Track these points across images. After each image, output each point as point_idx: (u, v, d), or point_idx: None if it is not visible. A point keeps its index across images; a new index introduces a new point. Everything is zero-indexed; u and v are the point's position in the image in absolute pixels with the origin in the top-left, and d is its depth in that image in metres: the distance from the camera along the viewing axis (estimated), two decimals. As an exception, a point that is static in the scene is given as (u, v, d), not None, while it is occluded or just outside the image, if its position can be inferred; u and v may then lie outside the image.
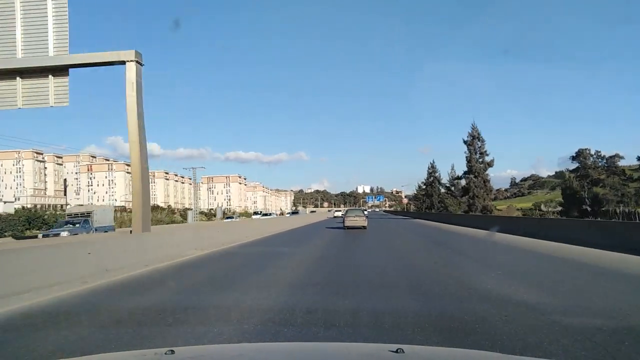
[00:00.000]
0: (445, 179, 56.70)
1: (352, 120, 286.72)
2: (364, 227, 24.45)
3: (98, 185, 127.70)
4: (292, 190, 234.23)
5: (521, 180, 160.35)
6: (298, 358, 1.73)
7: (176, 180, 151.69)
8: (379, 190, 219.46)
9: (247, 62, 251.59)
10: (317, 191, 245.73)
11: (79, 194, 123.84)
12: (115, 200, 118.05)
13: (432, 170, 63.40)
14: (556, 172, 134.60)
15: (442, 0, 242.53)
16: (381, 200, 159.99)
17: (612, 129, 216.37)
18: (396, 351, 1.52)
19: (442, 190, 58.44)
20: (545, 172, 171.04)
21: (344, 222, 25.89)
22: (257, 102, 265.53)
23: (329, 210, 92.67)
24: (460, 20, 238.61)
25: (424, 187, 65.57)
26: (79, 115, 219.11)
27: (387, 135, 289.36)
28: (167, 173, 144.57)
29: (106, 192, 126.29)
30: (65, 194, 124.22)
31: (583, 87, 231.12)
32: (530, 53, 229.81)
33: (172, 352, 1.56)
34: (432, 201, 60.52)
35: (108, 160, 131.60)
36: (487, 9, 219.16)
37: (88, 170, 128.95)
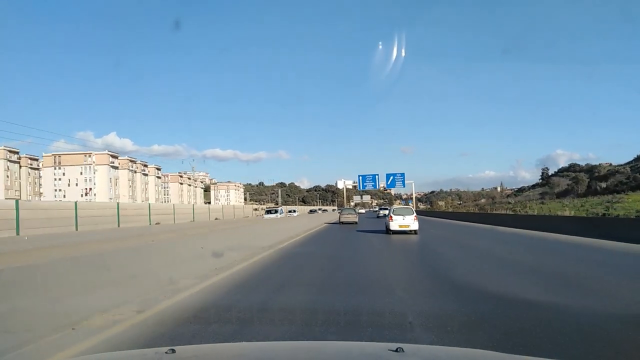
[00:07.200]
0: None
1: (334, 120, 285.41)
2: (355, 222, 27.45)
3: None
4: (250, 184, 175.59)
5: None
6: (298, 357, 1.73)
7: None
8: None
9: (227, 64, 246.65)
10: (282, 184, 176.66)
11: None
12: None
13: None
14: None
15: (426, 3, 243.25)
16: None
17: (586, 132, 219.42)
18: (396, 350, 1.54)
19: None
20: (524, 173, 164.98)
21: (339, 219, 28.24)
22: (238, 102, 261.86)
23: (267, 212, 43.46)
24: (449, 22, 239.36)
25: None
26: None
27: (369, 135, 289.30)
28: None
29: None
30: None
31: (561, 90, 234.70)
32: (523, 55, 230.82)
33: (173, 351, 1.56)
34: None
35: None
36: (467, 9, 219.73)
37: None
